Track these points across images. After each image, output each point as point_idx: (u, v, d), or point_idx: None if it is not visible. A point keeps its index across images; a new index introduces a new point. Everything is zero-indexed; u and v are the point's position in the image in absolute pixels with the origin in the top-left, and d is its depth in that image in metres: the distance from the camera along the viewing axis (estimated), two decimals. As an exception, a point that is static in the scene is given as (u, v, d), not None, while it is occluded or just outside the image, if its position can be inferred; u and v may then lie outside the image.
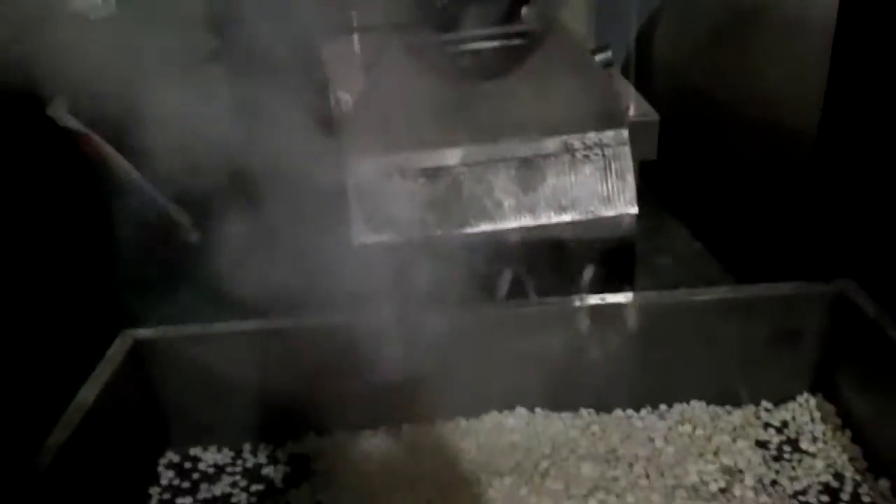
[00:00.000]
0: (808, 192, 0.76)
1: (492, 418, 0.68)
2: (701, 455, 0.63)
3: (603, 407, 0.69)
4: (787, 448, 0.64)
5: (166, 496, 0.64)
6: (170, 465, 0.67)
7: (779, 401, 0.69)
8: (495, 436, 0.66)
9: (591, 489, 0.59)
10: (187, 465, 0.67)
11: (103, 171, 0.77)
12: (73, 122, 0.75)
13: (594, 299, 0.66)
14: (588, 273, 0.63)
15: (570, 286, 0.64)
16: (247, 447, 0.68)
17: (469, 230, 0.62)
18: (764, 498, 0.58)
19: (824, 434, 0.65)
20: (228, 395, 0.67)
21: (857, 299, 0.63)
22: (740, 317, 0.66)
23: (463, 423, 0.68)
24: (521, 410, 0.68)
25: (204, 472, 0.66)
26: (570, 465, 0.62)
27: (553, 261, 0.63)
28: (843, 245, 0.71)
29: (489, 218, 0.62)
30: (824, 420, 0.66)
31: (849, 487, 0.59)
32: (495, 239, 0.62)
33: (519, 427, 0.67)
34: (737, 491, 0.59)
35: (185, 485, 0.65)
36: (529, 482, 0.61)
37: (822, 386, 0.68)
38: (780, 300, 0.65)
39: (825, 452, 0.63)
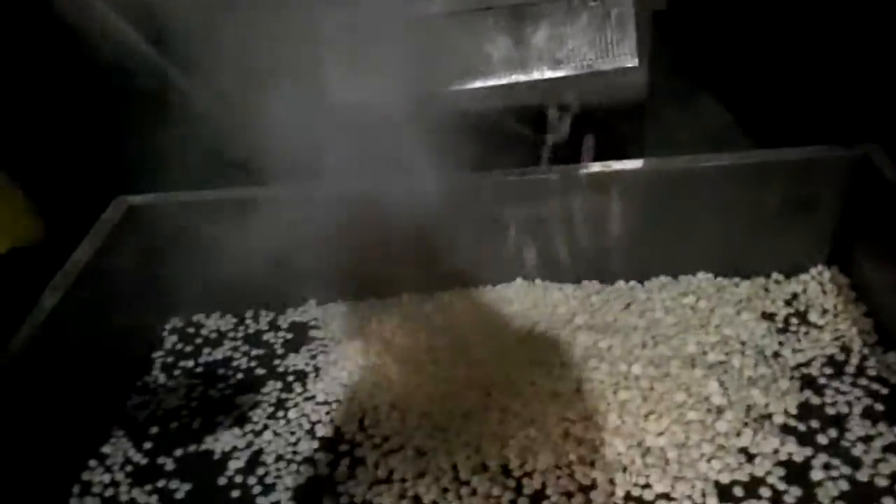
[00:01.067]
0: (838, 50, 0.71)
1: (491, 289, 0.67)
2: (702, 327, 0.61)
3: (606, 278, 0.67)
4: (794, 321, 0.61)
5: (169, 360, 0.65)
6: (173, 331, 0.68)
7: (791, 273, 0.66)
8: (492, 305, 0.65)
9: (584, 357, 0.58)
10: (190, 330, 0.68)
11: (99, 36, 0.74)
12: None
13: (597, 167, 0.62)
14: (590, 138, 0.59)
15: (572, 151, 0.61)
16: (248, 314, 0.69)
17: (455, 87, 0.58)
18: (763, 369, 0.57)
19: (836, 307, 0.62)
20: (228, 264, 0.67)
21: (879, 164, 0.59)
22: (753, 184, 0.62)
23: (462, 293, 0.67)
24: (520, 281, 0.67)
25: (206, 337, 0.67)
26: (566, 333, 0.61)
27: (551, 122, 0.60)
28: (871, 109, 0.66)
29: (477, 73, 0.58)
30: (837, 293, 0.63)
31: (855, 360, 0.57)
32: (485, 96, 0.58)
33: (518, 297, 0.66)
34: (735, 362, 0.57)
35: (188, 349, 0.66)
36: (522, 346, 0.60)
37: (838, 258, 0.65)
38: (796, 166, 0.61)
39: (834, 325, 0.60)
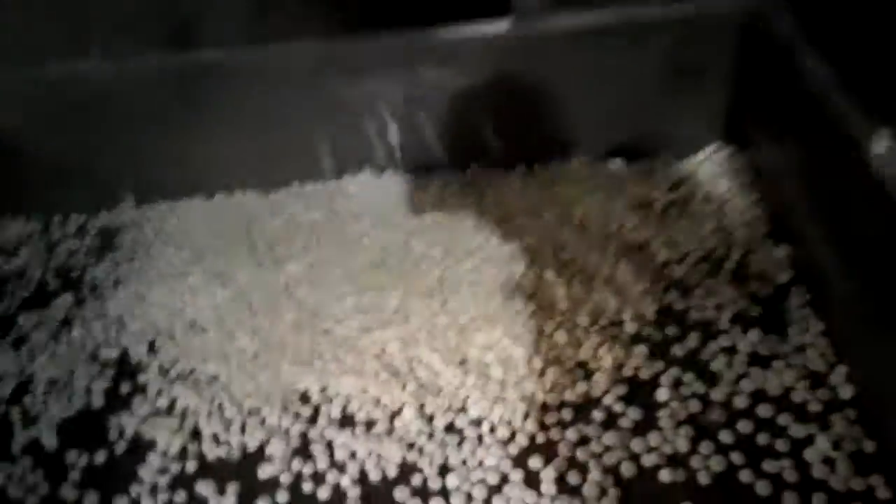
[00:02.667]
0: None
1: (333, 183, 0.57)
2: (561, 219, 0.51)
3: (461, 166, 0.57)
4: (673, 211, 0.52)
5: (-44, 274, 0.56)
6: (-32, 239, 0.59)
7: (682, 154, 0.56)
8: (330, 202, 0.56)
9: (416, 262, 0.49)
10: (-13, 238, 0.59)
11: None
12: None
13: (444, 32, 0.51)
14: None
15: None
16: (57, 218, 0.59)
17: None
18: (623, 268, 0.47)
19: (727, 192, 0.53)
20: (31, 159, 0.57)
21: (774, 20, 0.48)
22: (630, 48, 0.51)
23: (299, 189, 0.58)
24: (366, 174, 0.57)
25: (2, 246, 0.58)
26: (400, 237, 0.51)
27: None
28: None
29: None
30: (731, 175, 0.54)
31: (736, 255, 0.48)
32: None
33: (361, 192, 0.56)
34: (591, 259, 0.48)
35: (-21, 260, 0.57)
36: (349, 253, 0.51)
37: (735, 135, 0.55)
38: (677, 24, 0.50)
39: (718, 215, 0.51)
